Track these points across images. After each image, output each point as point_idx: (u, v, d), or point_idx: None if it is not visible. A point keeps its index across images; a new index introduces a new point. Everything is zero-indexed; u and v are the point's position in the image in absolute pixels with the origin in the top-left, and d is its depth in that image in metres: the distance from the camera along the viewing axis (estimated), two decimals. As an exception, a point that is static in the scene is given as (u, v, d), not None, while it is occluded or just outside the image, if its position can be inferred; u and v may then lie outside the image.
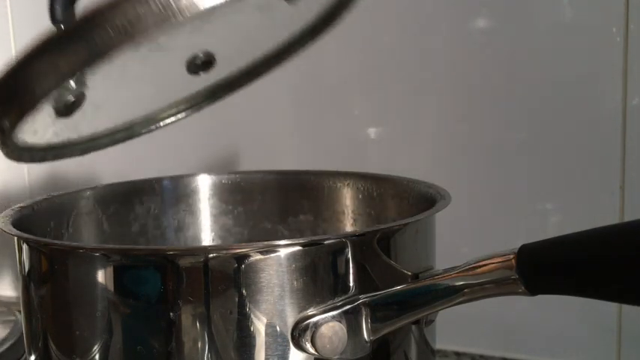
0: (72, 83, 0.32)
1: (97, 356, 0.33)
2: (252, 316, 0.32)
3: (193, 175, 0.52)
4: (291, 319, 0.32)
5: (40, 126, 0.35)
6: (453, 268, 0.33)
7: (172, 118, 0.47)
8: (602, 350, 0.53)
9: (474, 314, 0.53)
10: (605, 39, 0.51)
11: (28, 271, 0.36)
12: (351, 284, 0.33)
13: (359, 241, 0.33)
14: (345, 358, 0.33)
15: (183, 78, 0.43)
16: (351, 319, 0.33)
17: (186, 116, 0.47)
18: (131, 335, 0.33)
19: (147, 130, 0.46)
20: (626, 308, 0.52)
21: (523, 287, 0.31)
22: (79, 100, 0.36)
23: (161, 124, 0.47)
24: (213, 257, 0.32)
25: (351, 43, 0.58)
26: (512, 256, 0.31)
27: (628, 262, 0.28)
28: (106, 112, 0.42)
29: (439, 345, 0.40)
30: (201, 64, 0.42)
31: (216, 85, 0.47)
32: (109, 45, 0.27)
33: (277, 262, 0.32)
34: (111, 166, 0.70)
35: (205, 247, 0.43)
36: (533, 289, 0.31)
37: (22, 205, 0.43)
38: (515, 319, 0.55)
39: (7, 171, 0.74)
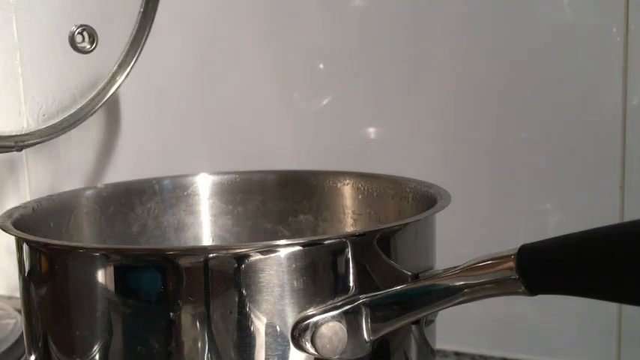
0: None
1: (97, 356, 0.33)
2: (252, 316, 0.32)
3: (193, 175, 0.52)
4: (291, 319, 0.32)
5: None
6: (452, 268, 0.33)
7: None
8: (602, 350, 0.53)
9: (474, 314, 0.53)
10: (605, 39, 0.51)
11: (28, 271, 0.36)
12: (351, 284, 0.33)
13: (359, 241, 0.33)
14: (345, 358, 0.33)
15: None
16: (351, 319, 0.33)
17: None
18: (131, 335, 0.33)
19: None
20: (626, 308, 0.52)
21: (523, 287, 0.31)
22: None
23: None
24: (213, 257, 0.32)
25: (350, 43, 0.58)
26: (512, 256, 0.31)
27: (628, 262, 0.28)
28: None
29: (439, 345, 0.40)
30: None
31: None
32: None
33: (277, 262, 0.32)
34: (111, 166, 0.70)
35: (205, 247, 0.43)
36: (533, 289, 0.31)
37: (22, 205, 0.43)
38: (515, 319, 0.55)
39: (7, 170, 0.74)
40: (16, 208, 0.42)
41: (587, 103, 0.52)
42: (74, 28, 0.51)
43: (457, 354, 0.57)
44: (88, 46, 0.51)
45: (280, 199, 0.51)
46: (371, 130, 0.58)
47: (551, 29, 0.52)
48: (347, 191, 0.49)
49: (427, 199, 0.42)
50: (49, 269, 0.35)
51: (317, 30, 0.59)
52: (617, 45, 0.50)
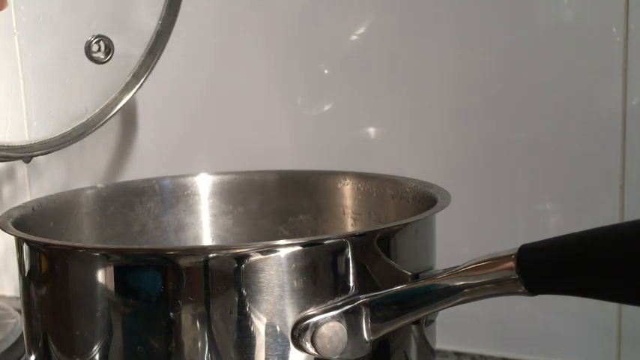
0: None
1: (97, 356, 0.33)
2: (252, 316, 0.32)
3: (193, 175, 0.52)
4: (291, 319, 0.32)
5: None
6: (452, 268, 0.33)
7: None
8: (602, 350, 0.53)
9: (474, 314, 0.53)
10: (605, 39, 0.51)
11: (28, 271, 0.36)
12: (351, 284, 0.33)
13: (359, 241, 0.33)
14: (345, 358, 0.33)
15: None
16: (351, 319, 0.33)
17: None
18: (131, 335, 0.33)
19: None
20: (626, 308, 0.52)
21: (523, 287, 0.31)
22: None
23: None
24: (213, 257, 0.32)
25: (350, 43, 0.58)
26: (512, 256, 0.31)
27: (628, 262, 0.28)
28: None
29: (439, 345, 0.40)
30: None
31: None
32: None
33: (277, 262, 0.32)
34: (111, 166, 0.70)
35: (205, 247, 0.43)
36: (533, 289, 0.31)
37: (22, 205, 0.43)
38: (515, 319, 0.55)
39: (6, 170, 0.74)
40: (16, 208, 0.42)
41: (587, 103, 0.52)
42: (91, 37, 0.51)
43: (457, 354, 0.57)
44: (103, 57, 0.51)
45: (280, 199, 0.51)
46: (371, 130, 0.58)
47: (551, 29, 0.52)
48: (347, 191, 0.49)
49: (427, 199, 0.42)
50: (49, 269, 0.35)
51: (322, 33, 0.59)
52: (617, 45, 0.50)
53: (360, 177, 0.49)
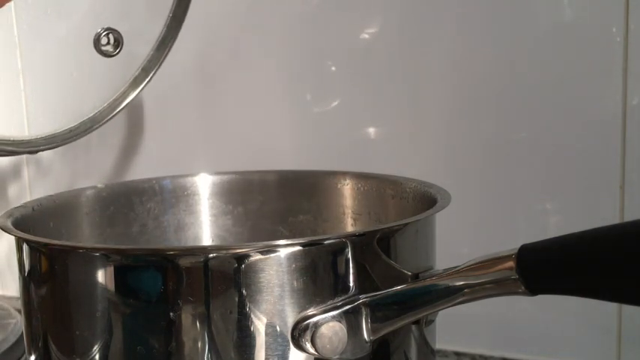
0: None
1: (97, 356, 0.33)
2: (252, 316, 0.32)
3: (193, 175, 0.52)
4: (291, 319, 0.32)
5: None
6: (453, 268, 0.33)
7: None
8: (602, 350, 0.53)
9: (474, 314, 0.53)
10: (605, 39, 0.51)
11: (28, 271, 0.36)
12: (351, 284, 0.33)
13: (359, 241, 0.33)
14: (345, 358, 0.33)
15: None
16: (351, 319, 0.33)
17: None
18: (131, 335, 0.33)
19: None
20: (626, 308, 0.52)
21: (523, 287, 0.31)
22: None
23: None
24: (213, 257, 0.32)
25: (350, 43, 0.58)
26: (512, 256, 0.31)
27: (628, 262, 0.28)
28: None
29: (439, 345, 0.40)
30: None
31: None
32: None
33: (277, 262, 0.32)
34: (111, 166, 0.70)
35: (205, 247, 0.43)
36: (533, 289, 0.31)
37: (22, 205, 0.43)
38: (515, 319, 0.55)
39: (6, 170, 0.74)
40: (16, 208, 0.42)
41: (587, 103, 0.52)
42: (100, 30, 0.50)
43: (457, 354, 0.57)
44: (112, 50, 0.51)
45: (280, 199, 0.51)
46: (371, 130, 0.58)
47: (551, 29, 0.52)
48: (347, 191, 0.49)
49: (427, 199, 0.42)
50: (49, 269, 0.35)
51: (324, 33, 0.59)
52: (617, 45, 0.50)
53: (360, 177, 0.49)
